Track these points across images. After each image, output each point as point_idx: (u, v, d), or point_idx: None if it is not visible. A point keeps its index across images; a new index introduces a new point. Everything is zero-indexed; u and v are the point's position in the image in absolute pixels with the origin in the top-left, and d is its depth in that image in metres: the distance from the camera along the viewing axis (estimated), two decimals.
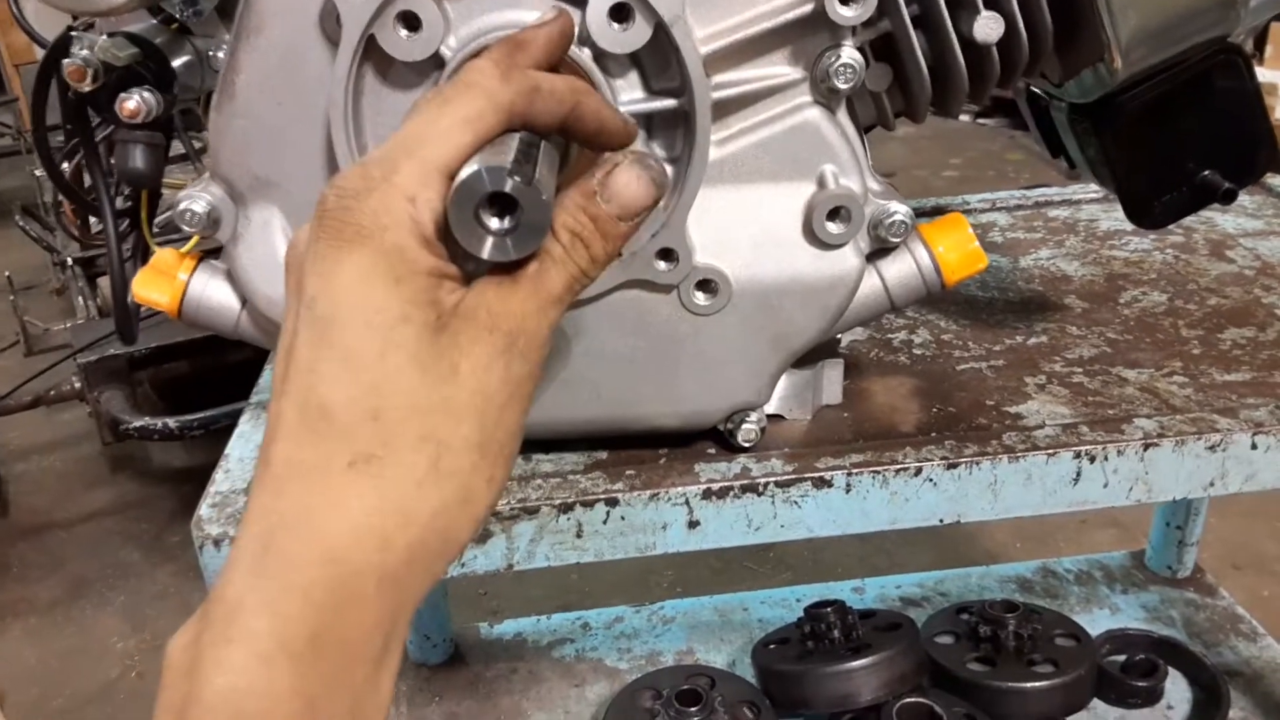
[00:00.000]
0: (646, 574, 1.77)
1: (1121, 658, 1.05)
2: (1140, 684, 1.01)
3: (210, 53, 0.59)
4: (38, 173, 3.38)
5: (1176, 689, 1.05)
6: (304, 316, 0.36)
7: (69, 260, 2.38)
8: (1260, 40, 3.40)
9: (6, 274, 2.70)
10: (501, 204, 0.38)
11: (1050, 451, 0.58)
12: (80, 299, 2.39)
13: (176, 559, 1.92)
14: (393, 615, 0.35)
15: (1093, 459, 0.58)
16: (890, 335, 0.74)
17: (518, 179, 0.37)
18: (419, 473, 0.35)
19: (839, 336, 0.62)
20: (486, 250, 0.38)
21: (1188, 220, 0.92)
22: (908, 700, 0.91)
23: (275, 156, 0.53)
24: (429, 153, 0.37)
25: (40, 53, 0.58)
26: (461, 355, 0.36)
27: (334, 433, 0.34)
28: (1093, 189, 1.01)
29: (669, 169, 0.52)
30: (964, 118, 4.20)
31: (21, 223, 2.82)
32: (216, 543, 0.54)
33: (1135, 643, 1.08)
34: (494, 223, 0.38)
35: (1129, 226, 0.92)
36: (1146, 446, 0.59)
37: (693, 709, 0.92)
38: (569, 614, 1.20)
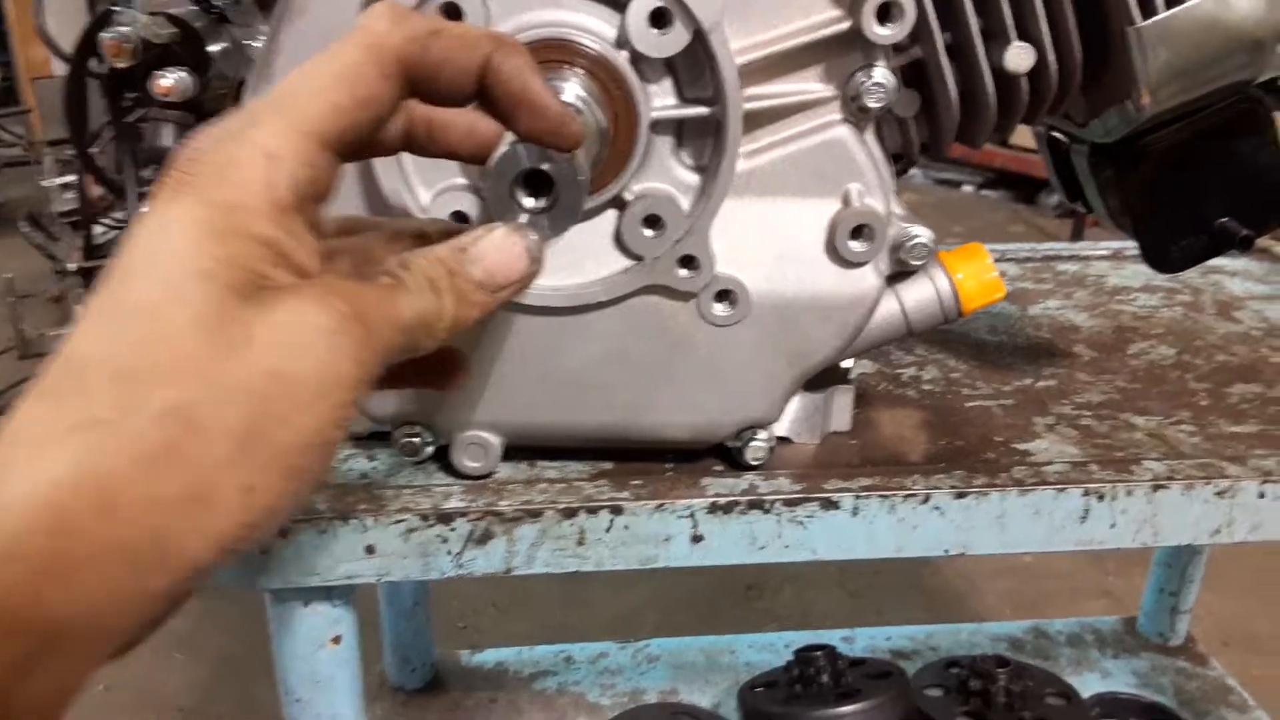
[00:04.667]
0: (631, 615, 1.74)
1: None
2: None
3: (246, 42, 0.60)
4: (44, 183, 3.38)
5: None
6: (113, 264, 0.31)
7: (71, 268, 2.38)
8: None
9: (9, 276, 2.70)
10: (537, 182, 0.38)
11: (1059, 487, 0.58)
12: (77, 306, 2.38)
13: None
14: (38, 628, 0.26)
15: (1101, 497, 0.58)
16: (899, 370, 0.74)
17: (554, 158, 0.37)
18: (146, 448, 0.28)
19: (848, 365, 0.62)
20: None
21: (1195, 281, 0.93)
22: None
23: None
24: (297, 112, 0.32)
25: (60, 68, 0.59)
26: (269, 325, 0.30)
27: (74, 390, 0.28)
28: (1100, 247, 1.02)
29: (695, 178, 0.52)
30: (967, 188, 4.26)
31: (26, 230, 2.82)
32: None
33: (1126, 707, 1.06)
34: (529, 201, 0.38)
35: (1137, 283, 0.93)
36: (1155, 488, 0.58)
37: None
38: (552, 646, 1.18)
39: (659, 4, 0.47)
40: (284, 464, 0.30)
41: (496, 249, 0.36)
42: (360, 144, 0.35)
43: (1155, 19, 0.50)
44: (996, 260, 0.98)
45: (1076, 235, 3.49)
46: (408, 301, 0.34)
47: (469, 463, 0.57)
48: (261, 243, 0.31)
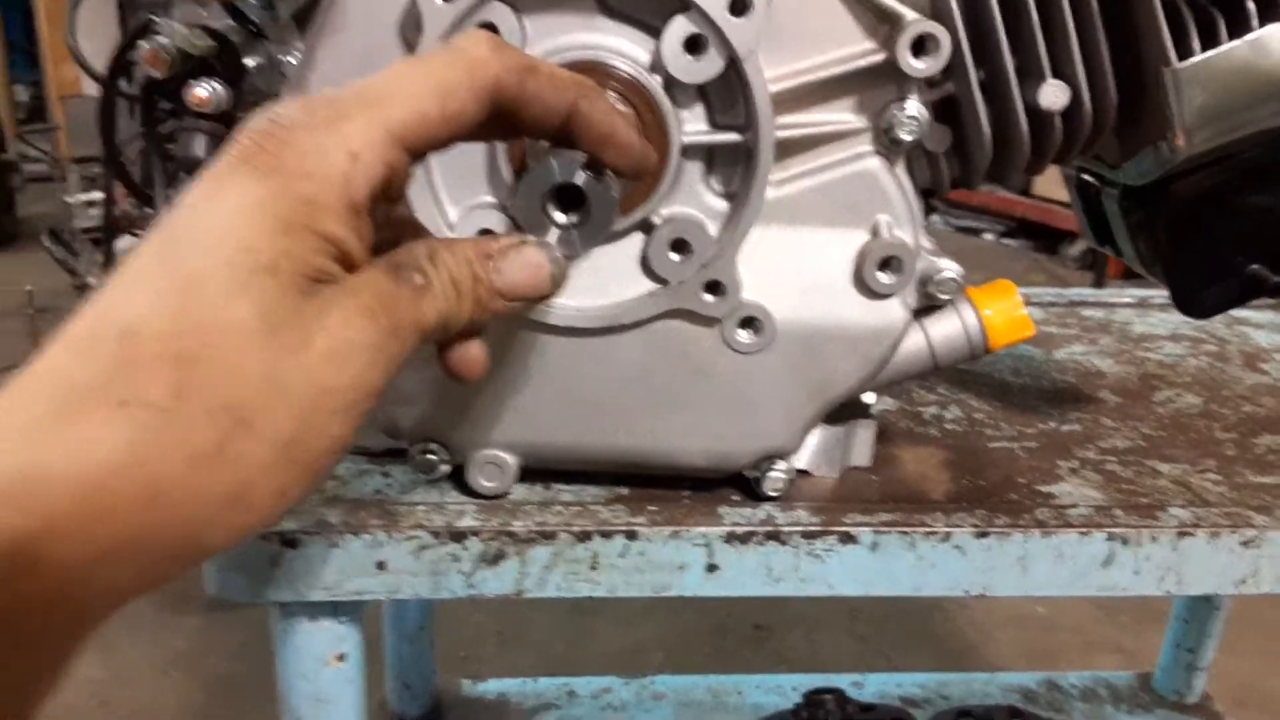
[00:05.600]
0: (637, 651, 1.72)
1: None
2: None
3: (281, 58, 0.60)
4: (69, 199, 3.43)
5: None
6: (166, 222, 0.30)
7: (91, 283, 2.40)
8: None
9: (28, 288, 2.73)
10: (569, 197, 0.38)
11: (1083, 530, 0.57)
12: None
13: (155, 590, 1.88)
14: (60, 611, 0.27)
15: (1125, 542, 0.57)
16: (921, 408, 0.74)
17: (588, 173, 0.37)
18: (200, 446, 0.28)
19: (870, 400, 0.61)
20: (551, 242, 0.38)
21: (1221, 332, 0.93)
22: None
23: None
24: (388, 112, 0.32)
25: (90, 86, 0.59)
26: (323, 331, 0.30)
27: (126, 360, 0.28)
28: (1126, 295, 1.02)
29: (724, 204, 0.52)
30: (988, 236, 4.25)
31: (49, 244, 2.86)
32: None
33: None
34: (559, 216, 0.38)
35: (1163, 331, 0.92)
36: (1180, 535, 0.57)
37: None
38: (555, 679, 1.17)
39: (694, 30, 0.47)
40: (313, 469, 0.31)
41: (523, 265, 0.36)
42: (428, 153, 0.35)
43: (1191, 61, 0.50)
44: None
45: (1098, 286, 3.48)
46: (433, 305, 0.34)
47: (484, 482, 0.57)
48: (328, 239, 0.31)
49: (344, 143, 0.31)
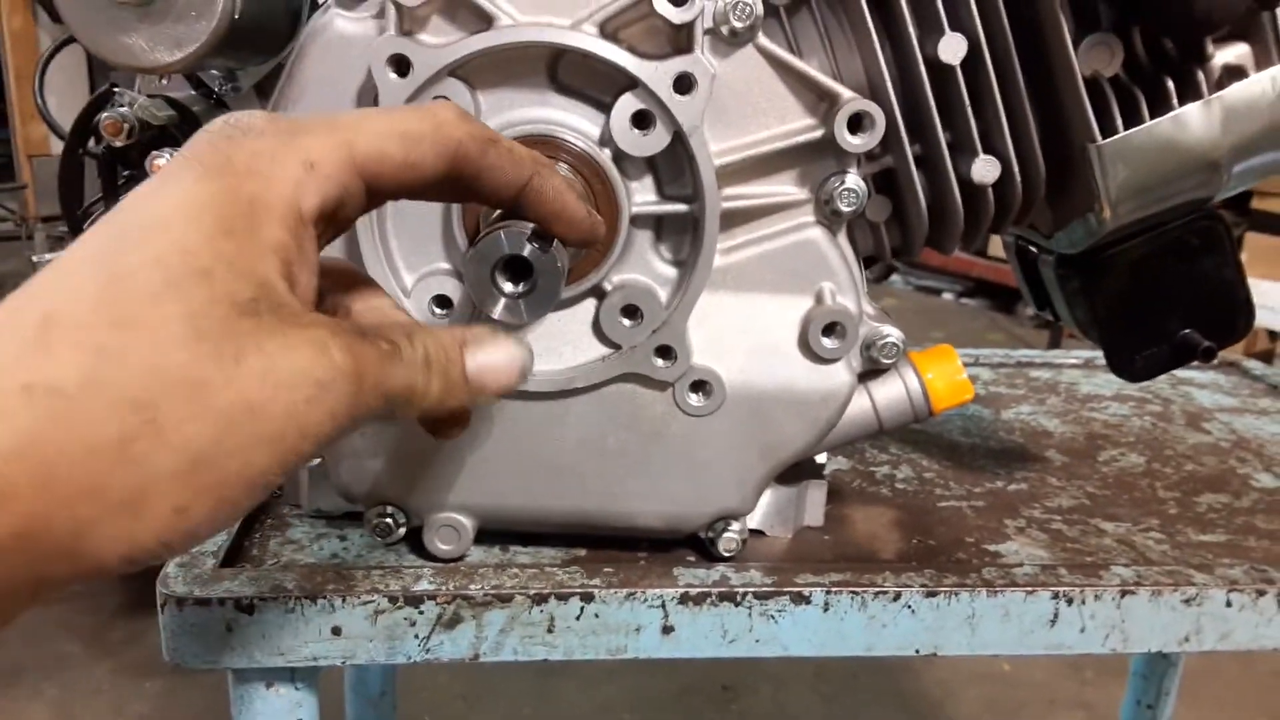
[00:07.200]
0: (604, 713, 1.70)
1: None
2: None
3: None
4: (35, 258, 3.41)
5: None
6: (108, 217, 0.30)
7: None
8: None
9: None
10: (517, 268, 0.39)
11: (1029, 589, 0.58)
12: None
13: (116, 655, 1.84)
14: None
15: (1070, 601, 0.58)
16: (873, 468, 0.75)
17: (535, 245, 0.39)
18: (100, 439, 0.27)
19: (822, 461, 0.63)
20: (498, 311, 0.40)
21: (1165, 392, 0.95)
22: None
23: None
24: (352, 138, 0.33)
25: (59, 146, 0.60)
26: (259, 350, 0.29)
27: (39, 345, 0.27)
28: (1073, 356, 1.04)
29: (673, 271, 0.54)
30: (947, 295, 4.33)
31: None
32: (180, 602, 0.53)
33: None
34: (508, 286, 0.39)
35: (1108, 391, 0.95)
36: (1124, 594, 0.58)
37: None
38: None
39: (642, 106, 0.49)
40: (221, 494, 0.29)
41: (498, 354, 0.36)
42: (383, 198, 0.35)
43: (1114, 138, 0.53)
44: (972, 365, 1.01)
45: (1053, 345, 3.55)
46: (400, 372, 0.33)
47: (441, 545, 0.57)
48: (271, 248, 0.30)
49: (302, 152, 0.31)
